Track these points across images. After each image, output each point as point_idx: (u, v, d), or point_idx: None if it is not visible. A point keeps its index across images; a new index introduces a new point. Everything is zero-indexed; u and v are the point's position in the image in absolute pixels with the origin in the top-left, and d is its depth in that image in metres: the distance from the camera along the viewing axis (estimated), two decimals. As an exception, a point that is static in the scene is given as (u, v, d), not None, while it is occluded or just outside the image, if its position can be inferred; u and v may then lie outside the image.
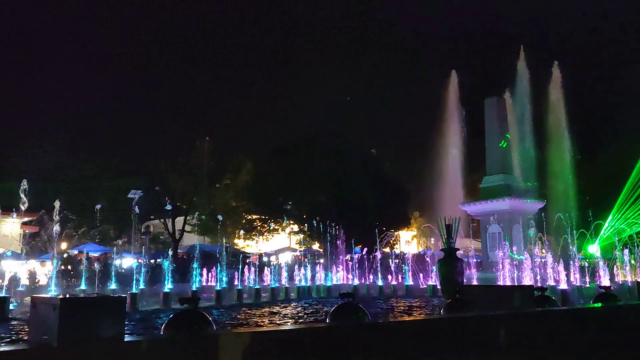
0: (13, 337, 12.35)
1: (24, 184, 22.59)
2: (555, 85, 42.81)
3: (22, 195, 22.43)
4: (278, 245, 59.49)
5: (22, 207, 23.17)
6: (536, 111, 44.15)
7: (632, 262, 31.66)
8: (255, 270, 28.05)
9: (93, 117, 55.94)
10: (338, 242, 38.55)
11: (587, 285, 26.93)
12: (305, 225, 54.93)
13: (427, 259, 34.82)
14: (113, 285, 26.31)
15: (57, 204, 21.97)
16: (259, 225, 58.85)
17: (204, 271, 31.46)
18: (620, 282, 27.95)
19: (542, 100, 44.24)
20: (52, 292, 22.01)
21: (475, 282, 29.31)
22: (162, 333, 5.40)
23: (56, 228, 23.37)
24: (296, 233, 59.88)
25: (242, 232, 56.22)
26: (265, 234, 59.52)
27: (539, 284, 22.48)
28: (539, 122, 44.63)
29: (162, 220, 54.86)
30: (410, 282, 30.86)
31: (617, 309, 9.35)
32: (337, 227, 40.76)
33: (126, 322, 4.88)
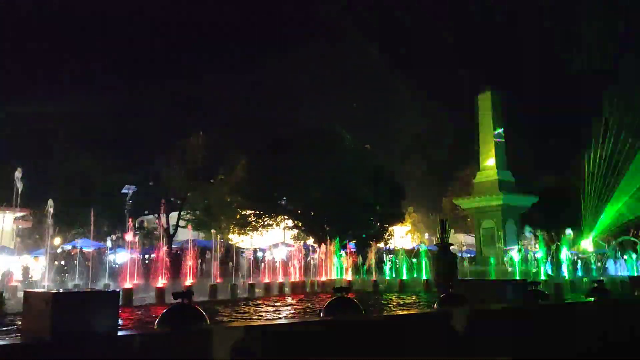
0: (6, 332, 12.32)
1: (19, 173, 22.45)
2: None
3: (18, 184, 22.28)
4: (272, 240, 59.45)
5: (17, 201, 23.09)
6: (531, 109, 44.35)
7: (624, 257, 31.91)
8: (249, 265, 28.10)
9: (86, 111, 55.69)
10: (332, 237, 38.60)
11: (581, 280, 27.10)
12: (300, 221, 54.97)
13: (421, 254, 34.93)
14: (107, 280, 26.29)
15: (50, 203, 21.92)
16: (253, 221, 58.76)
17: (198, 266, 31.45)
18: (613, 277, 28.15)
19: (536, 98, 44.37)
20: (46, 287, 21.95)
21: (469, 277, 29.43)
22: (155, 327, 5.39)
23: (49, 223, 23.30)
24: (291, 228, 59.84)
25: (236, 227, 56.19)
26: (260, 229, 59.46)
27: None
28: (533, 119, 44.82)
29: (156, 215, 54.70)
30: (404, 276, 30.96)
31: (610, 303, 9.41)
32: (332, 222, 40.80)
33: (119, 317, 4.87)
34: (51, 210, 21.85)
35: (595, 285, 10.02)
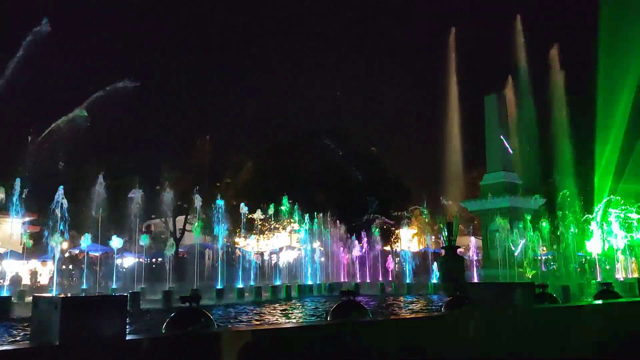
0: (15, 337, 12.37)
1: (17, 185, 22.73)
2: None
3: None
4: (279, 243, 59.47)
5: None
6: (537, 105, 44.02)
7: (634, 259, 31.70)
8: (256, 269, 28.12)
9: (92, 115, 55.97)
10: (339, 240, 38.58)
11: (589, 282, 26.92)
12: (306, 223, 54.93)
13: (428, 257, 34.86)
14: (114, 285, 26.37)
15: (59, 201, 22.07)
16: (259, 224, 58.78)
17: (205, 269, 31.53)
18: (621, 279, 27.97)
19: (543, 95, 44.12)
20: (54, 291, 22.04)
21: (476, 279, 29.32)
22: (163, 331, 5.41)
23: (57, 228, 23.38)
24: (297, 231, 59.83)
25: (242, 231, 56.23)
26: (266, 232, 59.48)
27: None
28: (540, 117, 44.44)
29: (163, 219, 54.83)
30: (411, 279, 30.88)
31: (618, 305, 9.34)
32: (338, 225, 40.78)
33: (127, 321, 4.89)
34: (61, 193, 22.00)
35: (604, 287, 9.96)
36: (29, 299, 19.04)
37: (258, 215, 40.64)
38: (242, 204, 35.77)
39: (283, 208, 44.40)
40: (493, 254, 32.97)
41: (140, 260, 38.55)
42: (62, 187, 22.76)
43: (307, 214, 37.58)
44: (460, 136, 49.09)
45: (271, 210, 41.72)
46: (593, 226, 34.58)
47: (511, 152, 35.40)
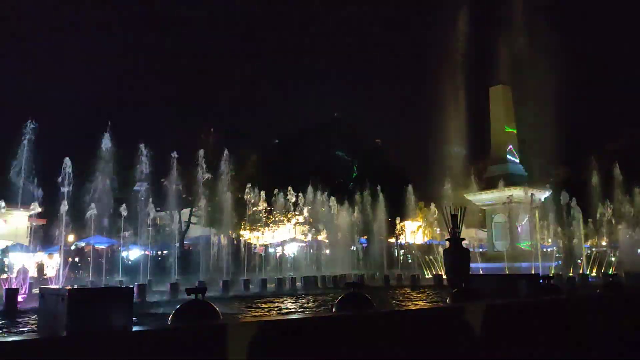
0: (22, 328, 12.46)
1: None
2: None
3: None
4: (284, 236, 59.56)
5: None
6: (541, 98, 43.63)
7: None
8: (261, 261, 28.22)
9: (97, 108, 56.11)
10: (344, 232, 38.63)
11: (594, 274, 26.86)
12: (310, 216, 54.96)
13: (433, 249, 34.84)
14: (120, 277, 26.50)
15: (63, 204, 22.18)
16: (264, 217, 58.86)
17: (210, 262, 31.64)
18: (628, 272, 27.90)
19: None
20: (60, 283, 22.19)
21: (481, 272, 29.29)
22: (169, 323, 5.43)
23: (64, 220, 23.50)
24: (302, 224, 59.84)
25: (247, 223, 56.34)
26: (271, 225, 59.55)
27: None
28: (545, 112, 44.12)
29: (169, 212, 54.95)
30: (415, 272, 30.92)
31: (624, 297, 9.32)
32: (343, 218, 40.83)
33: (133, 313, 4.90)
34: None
35: (610, 279, 9.92)
36: (36, 291, 19.17)
37: (263, 207, 40.69)
38: (246, 196, 35.83)
39: (292, 198, 44.47)
40: (498, 245, 32.94)
41: (146, 253, 38.71)
42: (68, 158, 22.74)
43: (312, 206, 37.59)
44: (465, 128, 48.87)
45: (278, 200, 41.73)
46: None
47: (514, 133, 35.15)
